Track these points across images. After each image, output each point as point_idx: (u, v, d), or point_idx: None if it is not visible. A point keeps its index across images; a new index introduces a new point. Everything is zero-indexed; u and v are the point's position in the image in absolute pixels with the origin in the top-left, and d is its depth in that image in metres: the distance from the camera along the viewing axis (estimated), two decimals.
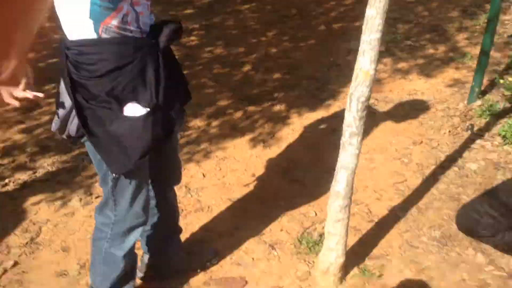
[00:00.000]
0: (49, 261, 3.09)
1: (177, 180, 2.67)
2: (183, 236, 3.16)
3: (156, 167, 2.38)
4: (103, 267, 2.38)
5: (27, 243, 3.26)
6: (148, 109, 2.00)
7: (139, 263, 2.85)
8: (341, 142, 2.43)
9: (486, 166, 3.54)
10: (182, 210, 3.47)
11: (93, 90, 1.95)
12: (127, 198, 2.16)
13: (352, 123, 2.37)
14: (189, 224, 3.33)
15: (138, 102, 1.99)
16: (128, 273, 2.44)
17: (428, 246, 2.87)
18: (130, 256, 2.39)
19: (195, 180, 3.84)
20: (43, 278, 2.95)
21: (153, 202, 2.56)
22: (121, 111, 1.99)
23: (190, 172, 3.93)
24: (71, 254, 3.09)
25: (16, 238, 3.31)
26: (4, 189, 3.84)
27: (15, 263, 3.07)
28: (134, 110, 2.00)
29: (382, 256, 2.84)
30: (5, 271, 3.01)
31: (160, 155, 2.34)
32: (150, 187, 2.50)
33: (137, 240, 2.35)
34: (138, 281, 2.81)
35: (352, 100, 2.34)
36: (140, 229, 2.32)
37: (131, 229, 2.28)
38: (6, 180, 3.76)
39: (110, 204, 2.19)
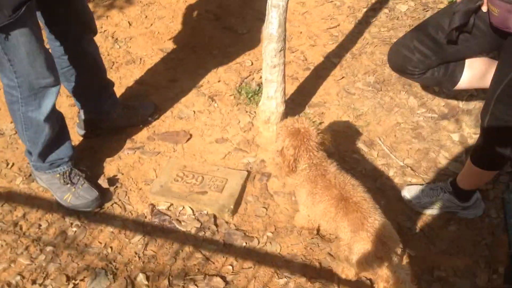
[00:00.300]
0: None
1: (90, 30, 2.35)
2: (119, 91, 2.92)
3: (51, 19, 2.13)
4: (26, 133, 2.18)
5: None
6: None
7: (77, 120, 2.66)
8: None
9: (416, 7, 3.46)
10: (113, 62, 3.17)
11: None
12: (23, 56, 1.91)
13: None
14: (123, 77, 3.06)
15: None
16: (59, 135, 2.25)
17: (363, 92, 2.86)
18: (53, 119, 2.18)
19: (120, 29, 3.45)
20: None
21: (65, 58, 2.32)
22: None
23: (114, 20, 3.52)
24: (1, 112, 2.78)
25: None
26: None
27: None
28: None
29: (321, 104, 2.81)
30: None
31: (50, 5, 2.05)
32: (57, 42, 2.26)
33: (54, 102, 2.11)
34: (79, 139, 2.64)
35: None
36: (53, 90, 2.08)
37: (41, 90, 2.04)
38: None
39: (6, 64, 1.94)
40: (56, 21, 2.20)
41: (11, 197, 2.35)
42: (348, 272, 1.94)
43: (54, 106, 2.13)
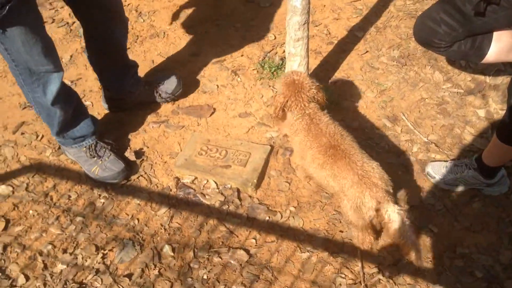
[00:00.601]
0: (9, 93, 2.79)
1: (117, 20, 2.27)
2: (143, 65, 2.89)
3: (73, 5, 2.10)
4: (41, 115, 2.19)
5: None
6: None
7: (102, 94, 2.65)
8: None
9: None
10: (137, 36, 3.13)
11: None
12: (18, 45, 1.86)
13: None
14: (147, 51, 3.03)
15: None
16: (75, 115, 2.23)
17: (387, 66, 2.77)
18: (62, 102, 2.13)
19: (144, 2, 3.39)
20: (8, 110, 2.69)
21: (88, 39, 2.29)
22: None
23: None
24: None
25: None
26: None
27: None
28: None
29: (344, 79, 2.73)
30: None
31: None
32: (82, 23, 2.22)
33: (59, 87, 2.06)
34: (106, 112, 2.65)
35: None
36: (56, 76, 2.03)
37: (43, 76, 2.00)
38: None
39: (4, 53, 1.91)
40: (77, 8, 2.17)
41: (41, 168, 2.37)
42: (364, 238, 1.91)
43: (60, 90, 2.08)
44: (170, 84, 2.65)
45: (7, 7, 1.65)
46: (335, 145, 1.85)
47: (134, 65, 2.58)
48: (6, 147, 2.47)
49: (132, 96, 2.56)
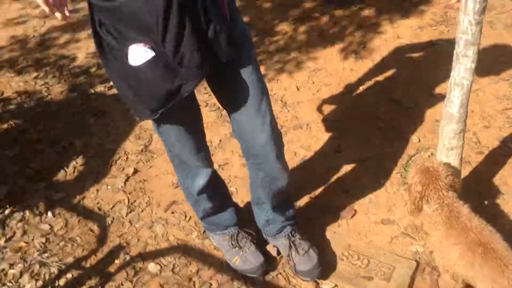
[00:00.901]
0: (165, 171, 2.92)
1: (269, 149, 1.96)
2: (286, 155, 2.83)
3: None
4: (189, 200, 2.24)
5: (142, 150, 3.11)
6: (153, 54, 1.61)
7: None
8: (454, 53, 1.93)
9: None
10: (281, 126, 3.16)
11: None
12: (173, 141, 1.93)
13: (467, 29, 1.84)
14: (290, 142, 3.03)
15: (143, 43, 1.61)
16: (220, 204, 2.24)
17: None
18: (209, 193, 2.13)
19: (289, 93, 3.46)
20: (162, 188, 2.81)
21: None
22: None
23: (284, 84, 3.55)
24: None
25: (131, 145, 3.16)
26: (111, 91, 3.62)
27: (135, 171, 2.95)
28: (137, 54, 1.61)
29: (497, 195, 2.47)
30: (128, 178, 2.90)
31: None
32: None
33: (207, 181, 2.07)
34: (247, 200, 2.52)
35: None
36: (205, 171, 2.05)
37: (193, 169, 2.04)
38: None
39: (162, 140, 2.01)
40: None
41: (187, 250, 2.40)
42: None
43: (207, 184, 2.08)
44: (304, 264, 2.14)
45: (160, 111, 1.72)
46: (484, 243, 1.66)
47: (287, 221, 2.22)
48: (158, 224, 2.56)
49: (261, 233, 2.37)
